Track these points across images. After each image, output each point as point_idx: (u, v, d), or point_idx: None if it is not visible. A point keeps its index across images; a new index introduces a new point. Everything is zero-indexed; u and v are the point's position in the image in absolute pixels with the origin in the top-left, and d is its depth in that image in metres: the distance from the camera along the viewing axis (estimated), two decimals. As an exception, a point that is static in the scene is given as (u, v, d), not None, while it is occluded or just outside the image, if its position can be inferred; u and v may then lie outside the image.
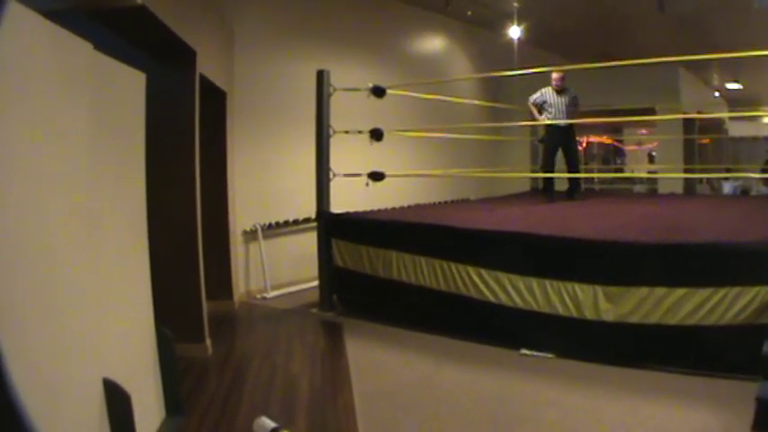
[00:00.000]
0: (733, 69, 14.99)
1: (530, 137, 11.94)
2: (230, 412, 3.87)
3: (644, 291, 4.42)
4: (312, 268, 6.79)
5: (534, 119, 8.41)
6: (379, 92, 6.85)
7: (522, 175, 11.60)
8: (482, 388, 4.26)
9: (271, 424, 3.24)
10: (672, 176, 11.63)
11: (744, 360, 3.90)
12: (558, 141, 8.22)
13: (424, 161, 9.81)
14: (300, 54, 8.00)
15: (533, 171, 11.39)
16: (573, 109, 8.13)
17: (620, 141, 19.02)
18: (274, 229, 7.69)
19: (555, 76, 8.09)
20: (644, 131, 18.01)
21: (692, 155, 12.83)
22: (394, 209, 8.44)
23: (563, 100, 8.08)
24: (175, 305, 4.46)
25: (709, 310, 4.19)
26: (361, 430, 3.63)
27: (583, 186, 12.83)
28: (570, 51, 12.56)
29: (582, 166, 13.03)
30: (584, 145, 16.19)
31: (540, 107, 8.18)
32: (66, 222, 2.49)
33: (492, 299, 5.15)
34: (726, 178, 14.29)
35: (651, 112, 11.27)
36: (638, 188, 14.84)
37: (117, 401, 2.71)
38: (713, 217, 6.60)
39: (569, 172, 8.40)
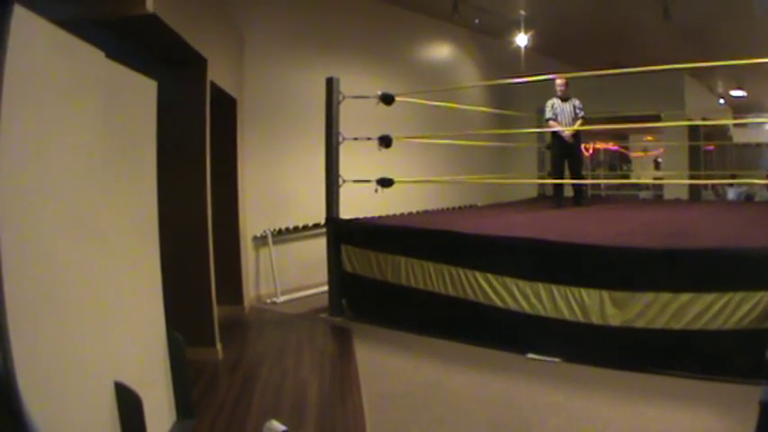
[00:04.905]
0: (737, 76, 15.01)
1: (537, 143, 11.99)
2: (240, 416, 3.90)
3: (649, 296, 4.45)
4: (321, 273, 6.83)
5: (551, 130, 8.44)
6: (387, 99, 6.89)
7: (529, 182, 11.63)
8: (489, 392, 4.29)
9: (280, 427, 3.30)
10: (677, 182, 11.65)
11: (747, 364, 3.93)
12: (564, 148, 8.27)
13: (432, 167, 9.85)
14: (310, 62, 8.07)
15: (541, 177, 11.43)
16: (576, 116, 8.18)
17: (626, 148, 19.04)
18: (284, 235, 7.75)
19: (559, 82, 8.17)
20: (650, 138, 18.04)
21: (697, 161, 12.85)
22: (402, 215, 8.51)
23: (568, 107, 8.14)
24: (186, 310, 4.48)
25: (713, 315, 4.21)
26: (369, 434, 3.68)
27: (589, 192, 12.87)
28: (576, 59, 12.62)
29: (587, 172, 13.11)
30: (591, 151, 16.22)
31: (555, 119, 8.24)
32: (77, 228, 2.53)
33: (499, 304, 5.18)
34: (730, 184, 14.30)
35: (657, 119, 11.29)
36: (643, 194, 14.87)
37: (128, 404, 2.73)
38: (718, 223, 6.62)
39: (573, 178, 8.44)
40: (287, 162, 7.85)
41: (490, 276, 5.26)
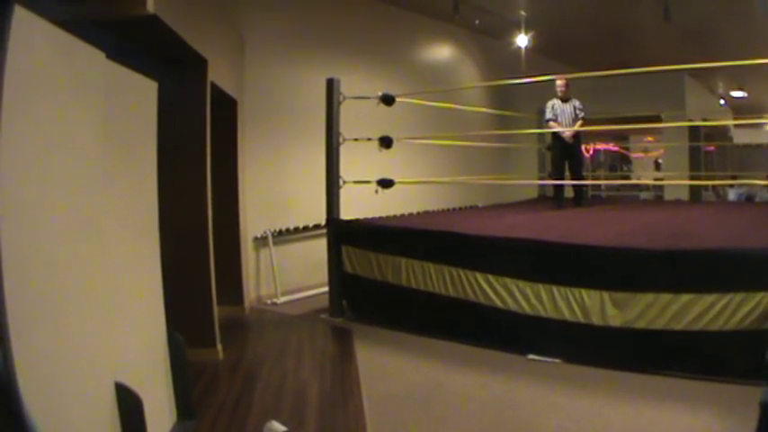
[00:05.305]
0: (738, 77, 15.00)
1: (537, 144, 12.00)
2: (241, 416, 3.90)
3: (650, 297, 4.45)
4: (322, 274, 6.84)
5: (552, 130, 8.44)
6: (388, 100, 6.90)
7: (529, 183, 11.64)
8: (490, 393, 4.29)
9: (281, 428, 3.30)
10: (677, 183, 11.66)
11: (748, 365, 3.93)
12: (564, 149, 8.27)
13: (432, 168, 9.85)
14: (311, 63, 8.08)
15: (541, 178, 11.44)
16: (576, 117, 8.18)
17: (627, 149, 19.06)
18: (285, 236, 7.75)
19: (559, 83, 8.18)
20: (650, 139, 18.05)
21: (697, 162, 12.86)
22: (403, 216, 8.50)
23: (569, 108, 8.15)
24: (187, 310, 4.49)
25: (713, 315, 4.22)
26: (370, 434, 3.68)
27: (590, 193, 12.88)
28: (577, 60, 12.61)
29: (587, 173, 13.11)
30: (591, 152, 16.23)
31: (555, 120, 8.24)
32: (77, 229, 2.53)
33: (500, 304, 5.18)
34: (731, 185, 14.31)
35: (657, 119, 11.31)
36: (644, 195, 14.88)
37: (129, 405, 2.74)
38: (718, 223, 6.62)
39: (573, 179, 8.45)
40: (287, 163, 7.86)
41: (491, 277, 5.26)
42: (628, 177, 18.97)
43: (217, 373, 4.81)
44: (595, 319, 4.68)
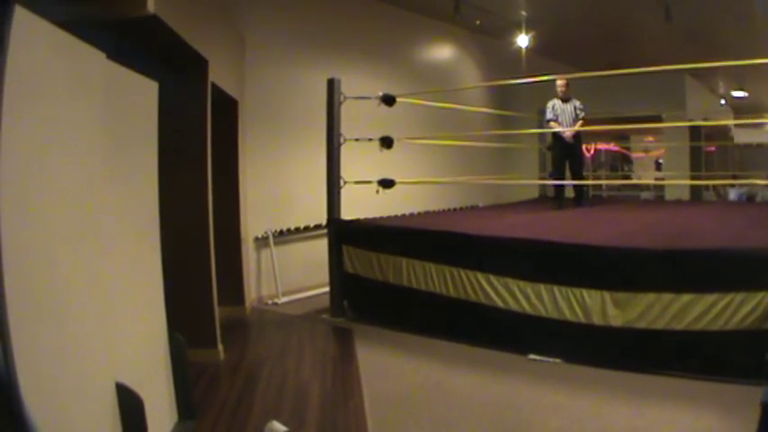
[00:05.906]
0: (738, 77, 15.00)
1: (538, 144, 12.00)
2: (242, 416, 3.90)
3: (651, 297, 4.45)
4: (323, 274, 6.84)
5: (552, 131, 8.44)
6: (389, 100, 6.90)
7: (530, 183, 11.63)
8: (491, 393, 4.29)
9: (282, 428, 3.30)
10: (678, 183, 11.65)
11: (749, 365, 3.92)
12: (565, 149, 8.27)
13: (433, 168, 9.85)
14: (311, 63, 8.08)
15: (542, 178, 11.44)
16: (577, 117, 8.18)
17: (628, 149, 19.06)
18: (285, 236, 7.75)
19: (560, 83, 8.18)
20: (651, 139, 18.05)
21: (698, 162, 12.85)
22: (404, 215, 8.50)
23: (569, 108, 8.15)
24: (188, 311, 4.48)
25: (714, 315, 4.21)
26: (370, 434, 3.68)
27: (590, 193, 12.88)
28: (578, 60, 12.61)
29: (588, 173, 13.10)
30: (592, 152, 16.23)
31: (556, 120, 8.24)
32: (78, 228, 2.53)
33: (501, 305, 5.18)
34: (731, 185, 14.30)
35: (658, 119, 11.31)
36: (645, 195, 14.87)
37: (130, 405, 2.74)
38: (719, 223, 6.62)
39: (574, 179, 8.44)
40: (288, 163, 7.86)
41: (491, 277, 5.26)
42: (629, 177, 18.99)
43: (218, 374, 4.81)
44: (596, 319, 4.67)
